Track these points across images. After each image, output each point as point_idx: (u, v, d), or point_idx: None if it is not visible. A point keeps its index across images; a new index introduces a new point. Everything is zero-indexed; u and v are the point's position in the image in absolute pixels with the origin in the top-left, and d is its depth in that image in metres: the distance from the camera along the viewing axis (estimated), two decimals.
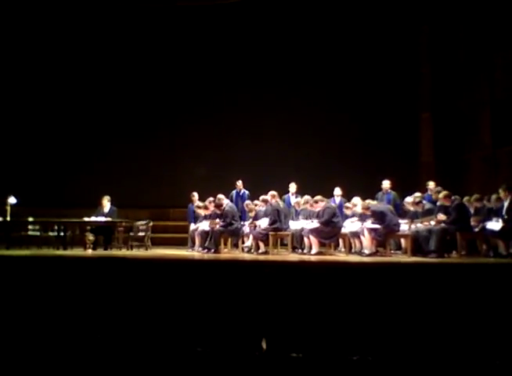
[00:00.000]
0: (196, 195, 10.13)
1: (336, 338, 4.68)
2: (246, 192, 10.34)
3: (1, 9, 11.44)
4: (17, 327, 4.83)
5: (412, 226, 8.11)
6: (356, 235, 8.30)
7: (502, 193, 7.80)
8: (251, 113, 11.77)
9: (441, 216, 7.73)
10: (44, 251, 8.83)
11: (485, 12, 10.50)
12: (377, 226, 7.86)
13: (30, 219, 9.47)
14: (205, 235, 8.78)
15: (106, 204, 9.64)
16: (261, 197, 9.01)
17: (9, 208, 9.17)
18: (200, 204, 9.43)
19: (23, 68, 11.78)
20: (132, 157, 11.85)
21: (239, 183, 10.37)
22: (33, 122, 11.79)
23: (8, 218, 9.15)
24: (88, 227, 9.40)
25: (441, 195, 8.08)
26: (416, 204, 8.24)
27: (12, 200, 9.28)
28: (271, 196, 8.85)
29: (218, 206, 8.86)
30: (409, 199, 8.43)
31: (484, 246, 7.91)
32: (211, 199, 9.25)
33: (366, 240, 7.94)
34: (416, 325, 4.79)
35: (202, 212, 9.27)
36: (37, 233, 9.55)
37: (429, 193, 9.07)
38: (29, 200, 10.17)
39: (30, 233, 9.59)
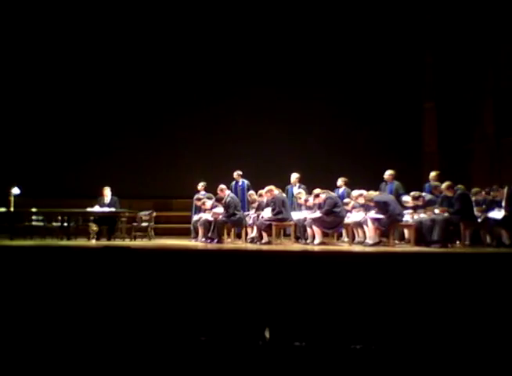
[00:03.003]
0: (201, 184, 10.03)
1: (339, 327, 4.68)
2: (246, 182, 10.21)
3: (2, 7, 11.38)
4: (22, 317, 4.85)
5: (416, 216, 8.09)
6: (359, 225, 8.26)
7: (496, 193, 7.83)
8: (253, 105, 11.70)
9: (442, 209, 7.73)
10: (47, 242, 8.85)
11: (489, 2, 10.38)
12: (381, 216, 7.84)
13: (34, 210, 9.48)
14: (208, 225, 8.79)
15: (107, 194, 9.65)
16: (259, 192, 8.98)
17: (12, 199, 9.18)
18: (201, 196, 9.43)
19: (26, 61, 11.68)
20: (135, 148, 11.81)
21: (237, 174, 10.29)
22: (36, 113, 11.73)
23: (11, 209, 9.17)
24: (92, 217, 9.42)
25: (443, 186, 8.04)
26: (416, 198, 8.18)
27: (15, 190, 9.29)
28: (267, 191, 8.82)
29: (219, 200, 8.86)
30: (407, 198, 8.36)
31: (487, 236, 7.90)
32: (208, 195, 9.24)
33: (370, 230, 7.91)
34: (419, 315, 4.78)
35: (203, 207, 9.24)
36: (41, 224, 9.56)
37: (431, 183, 9.00)
38: (32, 190, 10.18)
39: (33, 223, 9.60)
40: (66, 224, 9.17)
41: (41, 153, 11.62)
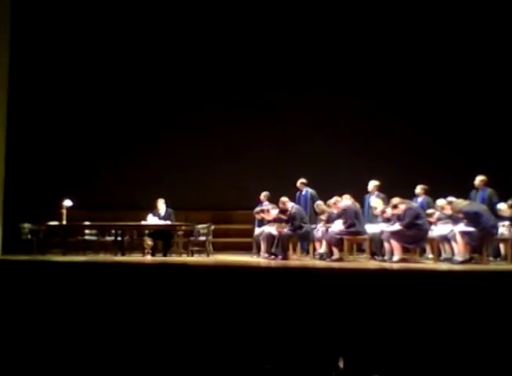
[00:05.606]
0: (264, 194, 10.05)
1: (423, 357, 4.54)
2: (310, 190, 10.17)
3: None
4: (75, 334, 5.06)
5: None
6: (446, 239, 8.08)
7: None
8: (322, 104, 11.67)
9: None
10: (101, 257, 9.23)
11: None
12: (471, 229, 7.61)
13: (87, 223, 9.91)
14: (272, 239, 8.83)
15: (162, 206, 9.90)
16: (334, 199, 8.87)
17: (64, 212, 9.64)
18: (264, 207, 9.46)
19: (87, 69, 12.19)
20: (192, 156, 12.02)
21: (301, 182, 10.20)
22: (89, 123, 12.20)
23: (64, 222, 9.64)
24: (147, 231, 9.72)
25: None
26: None
27: (67, 202, 9.75)
28: (333, 202, 8.78)
29: (283, 212, 8.88)
30: (502, 205, 8.16)
31: None
32: (273, 205, 9.28)
33: (458, 245, 7.74)
34: None
35: (266, 217, 9.29)
36: (94, 238, 9.99)
37: None
38: (85, 202, 10.63)
39: (86, 237, 10.05)
40: (119, 238, 9.51)
41: (93, 163, 12.09)
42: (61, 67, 12.04)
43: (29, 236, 9.71)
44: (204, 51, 12.24)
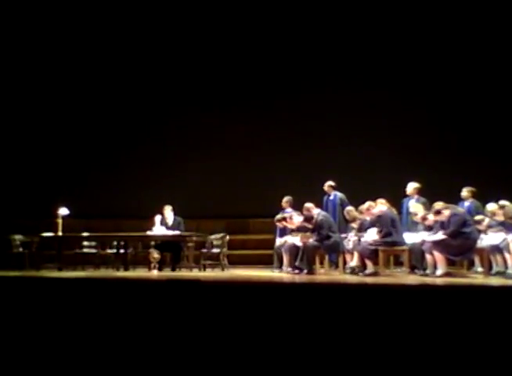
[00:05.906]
0: (286, 200, 10.05)
1: None
2: (339, 195, 10.13)
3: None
4: (74, 360, 5.09)
5: None
6: (498, 250, 7.96)
7: None
8: (349, 104, 11.79)
9: None
10: (101, 273, 9.29)
11: None
12: None
13: (85, 234, 9.99)
14: (295, 251, 8.80)
15: (169, 214, 9.95)
16: (367, 205, 8.81)
17: (60, 221, 9.74)
18: (286, 214, 9.45)
19: (83, 74, 12.56)
20: (203, 159, 12.09)
21: (328, 185, 10.16)
22: (85, 124, 12.47)
23: (59, 233, 9.74)
24: (153, 243, 9.77)
25: None
26: None
27: (63, 211, 9.85)
28: (366, 208, 8.69)
29: (308, 219, 8.86)
30: None
31: None
32: (296, 212, 9.23)
33: None
34: None
35: (288, 225, 9.29)
36: (94, 251, 10.09)
37: None
38: (82, 210, 10.73)
39: (85, 250, 10.17)
40: (122, 251, 9.57)
41: (91, 168, 12.25)
42: (57, 71, 12.43)
43: (20, 249, 9.86)
44: (212, 51, 12.41)
